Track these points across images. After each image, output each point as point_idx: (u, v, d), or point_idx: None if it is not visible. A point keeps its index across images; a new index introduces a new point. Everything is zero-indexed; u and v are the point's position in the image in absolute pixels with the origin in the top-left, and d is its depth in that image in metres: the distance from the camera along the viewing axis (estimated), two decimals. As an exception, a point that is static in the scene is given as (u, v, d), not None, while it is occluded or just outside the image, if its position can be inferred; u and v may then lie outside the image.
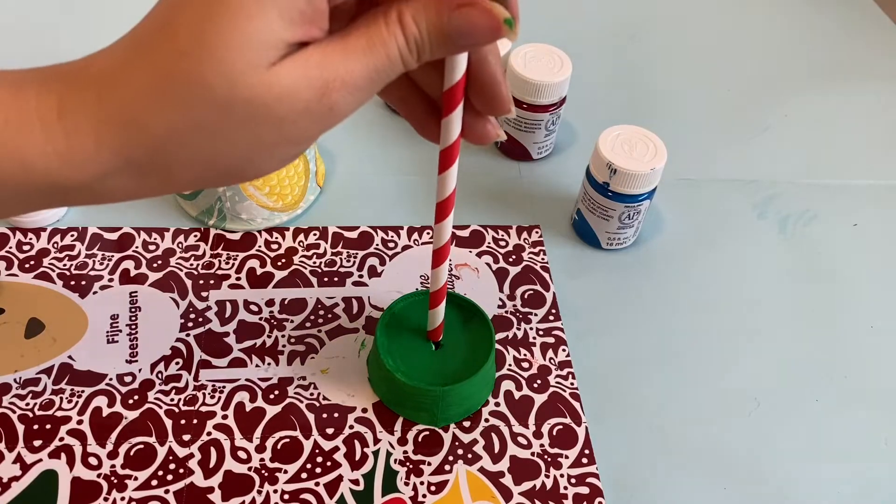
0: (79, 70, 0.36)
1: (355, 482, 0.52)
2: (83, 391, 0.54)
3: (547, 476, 0.53)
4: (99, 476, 0.51)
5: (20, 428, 0.52)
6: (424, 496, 0.51)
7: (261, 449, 0.53)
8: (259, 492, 0.51)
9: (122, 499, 0.50)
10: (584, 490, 0.53)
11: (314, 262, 0.63)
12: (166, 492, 0.50)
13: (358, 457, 0.53)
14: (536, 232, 0.68)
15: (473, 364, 0.55)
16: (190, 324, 0.59)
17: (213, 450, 0.52)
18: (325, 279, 0.62)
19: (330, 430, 0.54)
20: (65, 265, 0.61)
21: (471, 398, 0.55)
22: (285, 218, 0.67)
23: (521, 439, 0.55)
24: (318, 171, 0.69)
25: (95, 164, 0.35)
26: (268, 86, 0.34)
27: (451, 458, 0.53)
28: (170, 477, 0.51)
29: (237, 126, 0.35)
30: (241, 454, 0.52)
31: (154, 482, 0.51)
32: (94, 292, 0.60)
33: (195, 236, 0.64)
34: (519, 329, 0.61)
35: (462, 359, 0.55)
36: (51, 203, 0.37)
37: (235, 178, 0.38)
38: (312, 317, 0.60)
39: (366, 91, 0.37)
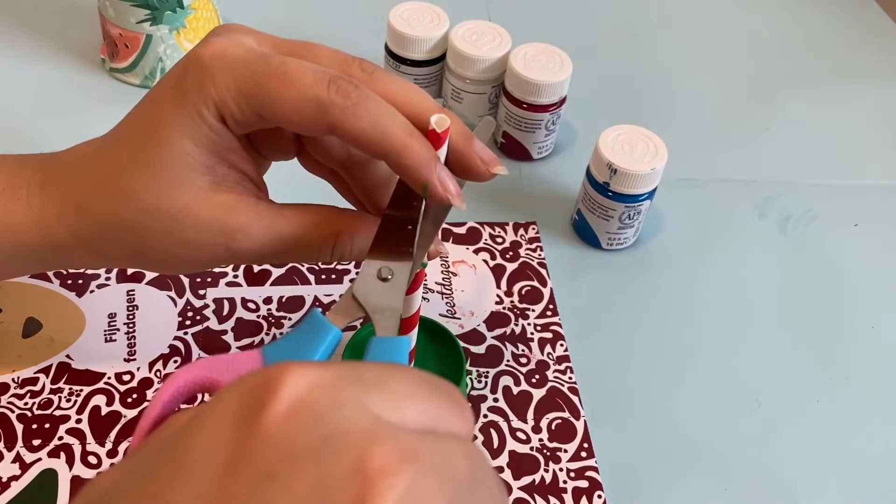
0: (62, 155, 0.45)
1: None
2: (82, 390, 0.54)
3: (546, 470, 0.53)
4: (99, 475, 0.50)
5: (19, 427, 0.52)
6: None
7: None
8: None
9: (122, 497, 0.50)
10: (584, 484, 0.52)
11: (312, 260, 0.63)
12: (165, 489, 0.50)
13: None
14: (533, 228, 0.68)
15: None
16: (188, 322, 0.59)
17: (211, 447, 0.52)
18: (323, 276, 0.62)
19: (329, 427, 0.54)
20: (63, 264, 0.61)
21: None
22: None
23: (520, 434, 0.55)
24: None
25: (58, 235, 0.44)
26: (186, 208, 0.42)
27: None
28: (168, 475, 0.51)
29: (156, 231, 0.42)
30: (240, 451, 0.52)
31: (153, 480, 0.51)
32: (91, 291, 0.60)
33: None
34: (517, 325, 0.61)
35: None
36: (29, 266, 0.47)
37: (161, 270, 0.47)
38: (311, 315, 0.60)
39: (268, 256, 0.44)
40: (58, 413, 0.53)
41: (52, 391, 0.54)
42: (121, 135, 0.44)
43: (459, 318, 0.61)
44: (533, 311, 0.62)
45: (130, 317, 0.58)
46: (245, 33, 0.44)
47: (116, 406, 0.54)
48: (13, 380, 0.54)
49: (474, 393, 0.56)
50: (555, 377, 0.58)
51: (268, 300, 0.60)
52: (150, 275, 0.61)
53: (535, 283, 0.64)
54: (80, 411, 0.53)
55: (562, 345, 0.60)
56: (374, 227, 0.43)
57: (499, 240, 0.66)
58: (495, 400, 0.56)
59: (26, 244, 0.44)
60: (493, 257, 0.65)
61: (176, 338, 0.58)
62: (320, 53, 0.43)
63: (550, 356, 0.59)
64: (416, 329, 0.51)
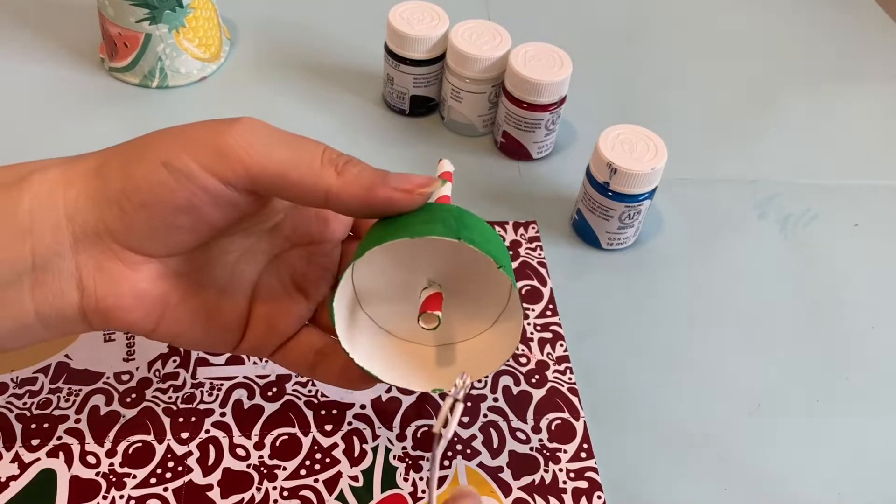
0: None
1: (354, 478, 0.52)
2: (80, 390, 0.54)
3: (546, 470, 0.53)
4: (97, 474, 0.50)
5: (18, 427, 0.52)
6: (424, 491, 0.51)
7: (259, 446, 0.52)
8: (258, 489, 0.51)
9: (121, 497, 0.49)
10: (584, 484, 0.52)
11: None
12: (165, 490, 0.50)
13: (357, 453, 0.53)
14: (533, 227, 0.68)
15: None
16: (188, 322, 0.58)
17: (211, 447, 0.52)
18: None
19: (328, 427, 0.54)
20: (63, 264, 0.61)
21: (491, 239, 0.45)
22: (214, 67, 0.80)
23: (519, 434, 0.55)
24: (223, 28, 0.83)
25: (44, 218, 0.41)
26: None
27: (449, 453, 0.53)
28: (168, 475, 0.51)
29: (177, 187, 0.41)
30: (240, 451, 0.52)
31: (153, 480, 0.50)
32: (92, 290, 0.59)
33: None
34: (517, 325, 0.61)
35: None
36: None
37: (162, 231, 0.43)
38: (311, 314, 0.60)
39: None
40: (56, 413, 0.53)
41: (51, 391, 0.54)
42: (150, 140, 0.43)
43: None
44: (533, 310, 0.62)
45: (130, 316, 0.58)
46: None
47: (115, 406, 0.54)
48: (12, 379, 0.54)
49: (474, 392, 0.56)
50: (554, 377, 0.58)
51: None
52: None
53: (535, 283, 0.64)
54: (78, 411, 0.53)
55: (561, 345, 0.60)
56: None
57: (498, 239, 0.66)
58: (495, 400, 0.56)
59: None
60: (493, 257, 0.65)
61: (175, 337, 0.58)
62: None
63: (550, 356, 0.59)
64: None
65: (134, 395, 0.54)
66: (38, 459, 0.51)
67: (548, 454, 0.54)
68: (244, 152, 0.40)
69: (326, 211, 0.49)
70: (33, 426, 0.52)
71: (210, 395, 0.55)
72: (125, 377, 0.55)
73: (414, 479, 0.52)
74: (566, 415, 0.56)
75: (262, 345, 0.49)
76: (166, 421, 0.53)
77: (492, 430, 0.55)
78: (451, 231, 0.42)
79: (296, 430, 0.53)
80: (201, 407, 0.54)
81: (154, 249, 0.43)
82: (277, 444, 0.53)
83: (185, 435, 0.53)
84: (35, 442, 0.52)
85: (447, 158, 0.48)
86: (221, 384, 0.55)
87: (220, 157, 0.40)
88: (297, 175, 0.41)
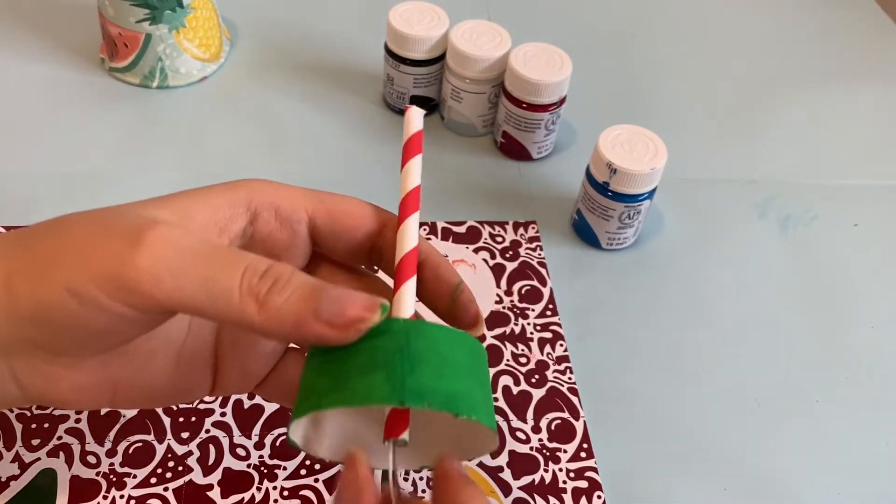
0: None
1: (354, 478, 0.52)
2: (81, 389, 0.54)
3: (546, 470, 0.53)
4: (98, 474, 0.50)
5: (18, 427, 0.52)
6: (424, 491, 0.51)
7: (259, 446, 0.52)
8: (258, 488, 0.51)
9: (122, 497, 0.50)
10: (583, 484, 0.52)
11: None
12: (165, 489, 0.50)
13: (356, 453, 0.53)
14: (533, 227, 0.68)
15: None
16: (188, 321, 0.58)
17: (211, 447, 0.52)
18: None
19: (328, 427, 0.54)
20: (63, 264, 0.61)
21: (452, 365, 0.38)
22: (214, 68, 0.80)
23: (519, 434, 0.55)
24: (223, 28, 0.82)
25: None
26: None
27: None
28: (169, 475, 0.51)
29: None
30: (240, 451, 0.52)
31: (153, 480, 0.51)
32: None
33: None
34: (516, 324, 0.61)
35: None
36: None
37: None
38: (311, 314, 0.60)
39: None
40: (57, 412, 0.53)
41: (52, 390, 0.54)
42: (67, 223, 0.39)
43: (459, 318, 0.61)
44: (532, 310, 0.62)
45: (130, 316, 0.58)
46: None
47: (116, 405, 0.54)
48: (13, 379, 0.54)
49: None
50: (554, 377, 0.58)
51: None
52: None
53: (535, 283, 0.64)
54: (79, 411, 0.53)
55: (561, 345, 0.60)
56: None
57: (498, 239, 0.66)
58: (495, 400, 0.56)
59: None
60: (493, 256, 0.65)
61: (175, 337, 0.58)
62: None
63: (550, 356, 0.59)
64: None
65: (134, 395, 0.54)
66: (39, 459, 0.51)
67: (548, 454, 0.54)
68: (153, 287, 0.35)
69: (291, 237, 0.44)
70: (33, 426, 0.52)
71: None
72: (125, 377, 0.55)
73: (414, 478, 0.52)
74: (566, 415, 0.56)
75: (237, 389, 0.46)
76: (166, 421, 0.53)
77: (492, 429, 0.55)
78: (396, 382, 0.36)
79: (296, 430, 0.53)
80: (201, 407, 0.54)
81: (85, 354, 0.40)
82: (277, 444, 0.53)
83: (185, 435, 0.53)
84: (35, 441, 0.52)
85: (415, 105, 0.43)
86: (221, 384, 0.55)
87: (128, 291, 0.35)
88: (214, 311, 0.36)
